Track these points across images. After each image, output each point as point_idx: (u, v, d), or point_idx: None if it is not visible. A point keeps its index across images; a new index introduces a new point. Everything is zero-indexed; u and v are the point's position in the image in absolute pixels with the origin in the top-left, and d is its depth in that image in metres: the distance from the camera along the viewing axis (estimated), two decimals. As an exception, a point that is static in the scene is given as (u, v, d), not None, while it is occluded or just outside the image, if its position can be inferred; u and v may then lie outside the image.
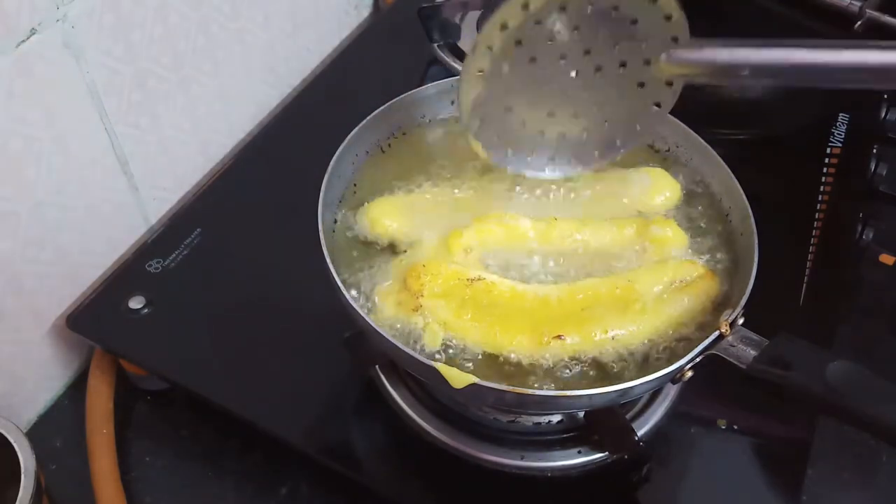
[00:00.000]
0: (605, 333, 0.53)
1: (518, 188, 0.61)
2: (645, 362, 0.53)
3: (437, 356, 0.52)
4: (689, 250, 0.59)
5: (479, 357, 0.52)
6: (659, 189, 0.61)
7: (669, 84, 0.54)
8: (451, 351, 0.52)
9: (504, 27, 0.51)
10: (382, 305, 0.54)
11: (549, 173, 0.60)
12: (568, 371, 0.52)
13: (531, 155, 0.58)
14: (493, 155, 0.58)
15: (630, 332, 0.53)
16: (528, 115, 0.56)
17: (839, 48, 0.48)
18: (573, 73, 0.54)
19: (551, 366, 0.52)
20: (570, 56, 0.53)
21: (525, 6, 0.50)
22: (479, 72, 0.53)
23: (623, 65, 0.53)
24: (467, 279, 0.54)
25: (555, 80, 0.54)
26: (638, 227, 0.58)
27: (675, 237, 0.58)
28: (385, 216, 0.58)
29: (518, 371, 0.52)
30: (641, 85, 0.54)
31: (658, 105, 0.55)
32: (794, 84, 0.51)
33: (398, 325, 0.53)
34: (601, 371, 0.52)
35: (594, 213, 0.60)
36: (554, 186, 0.61)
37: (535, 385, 0.51)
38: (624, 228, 0.58)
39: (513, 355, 0.52)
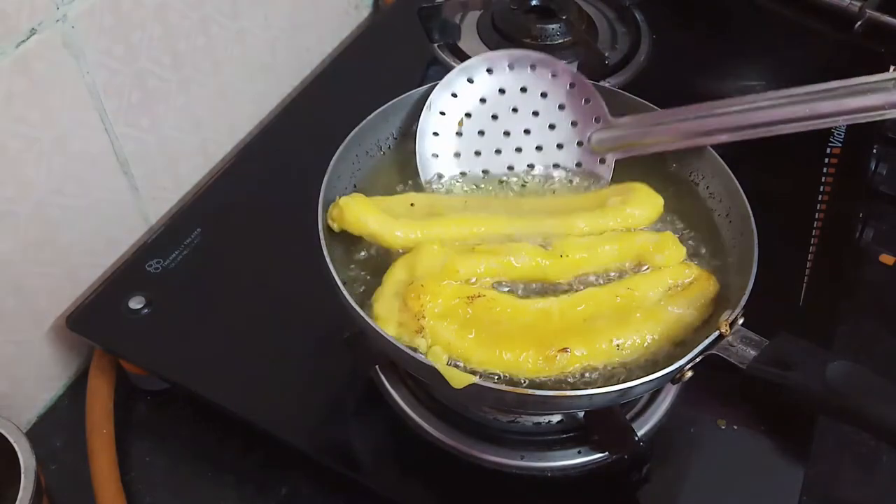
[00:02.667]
0: (609, 343, 0.52)
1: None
2: (651, 367, 0.52)
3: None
4: (688, 252, 0.59)
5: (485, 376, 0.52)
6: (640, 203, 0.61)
7: (603, 161, 0.64)
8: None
9: (454, 95, 0.63)
10: (385, 323, 0.53)
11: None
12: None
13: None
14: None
15: (633, 339, 0.53)
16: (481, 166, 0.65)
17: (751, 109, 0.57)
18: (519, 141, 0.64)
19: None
20: (513, 132, 0.64)
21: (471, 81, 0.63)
22: (434, 134, 0.63)
23: (560, 146, 0.64)
24: (467, 297, 0.54)
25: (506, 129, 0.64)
26: (640, 249, 0.58)
27: (674, 253, 0.58)
28: (359, 215, 0.57)
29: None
30: (578, 165, 0.65)
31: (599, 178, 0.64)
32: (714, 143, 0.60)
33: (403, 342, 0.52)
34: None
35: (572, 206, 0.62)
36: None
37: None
38: (625, 256, 0.58)
39: (520, 374, 0.52)
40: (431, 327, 0.52)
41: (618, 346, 0.52)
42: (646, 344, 0.53)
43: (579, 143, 0.64)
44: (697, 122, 0.59)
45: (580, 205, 0.61)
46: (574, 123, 0.63)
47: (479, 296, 0.54)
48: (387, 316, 0.53)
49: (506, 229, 0.59)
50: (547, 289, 0.57)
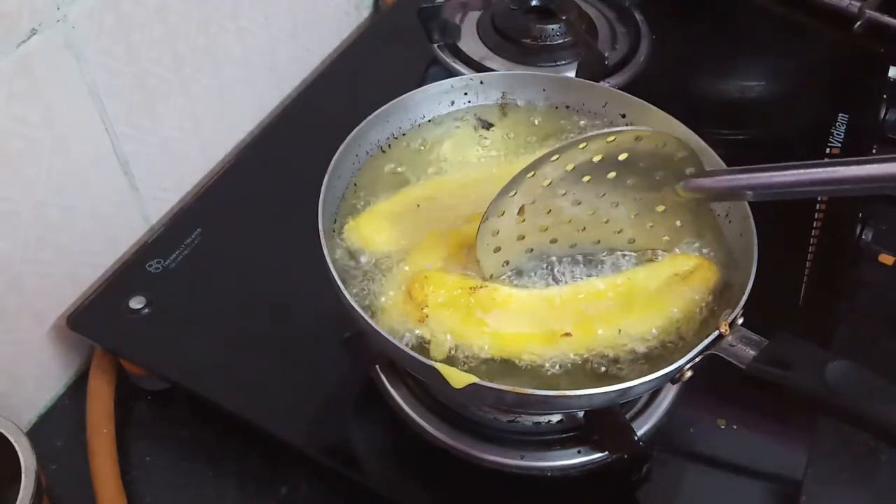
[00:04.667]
0: (611, 330, 0.53)
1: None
2: (652, 356, 0.53)
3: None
4: (687, 248, 0.59)
5: (488, 362, 0.53)
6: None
7: (687, 203, 0.56)
8: (459, 357, 0.53)
9: (514, 192, 0.52)
10: (386, 317, 0.54)
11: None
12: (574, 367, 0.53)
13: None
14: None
15: (635, 327, 0.53)
16: (550, 252, 0.57)
17: (826, 166, 0.50)
18: (591, 213, 0.55)
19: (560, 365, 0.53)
20: (586, 200, 0.54)
21: (533, 173, 0.51)
22: (495, 233, 0.54)
23: (638, 196, 0.55)
24: (469, 287, 0.54)
25: (575, 221, 0.55)
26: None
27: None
28: (376, 235, 0.58)
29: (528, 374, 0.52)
30: (660, 209, 0.56)
31: (679, 222, 0.57)
32: (804, 197, 0.54)
33: (403, 336, 0.53)
34: (611, 367, 0.53)
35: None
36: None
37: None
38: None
39: (523, 359, 0.52)
40: (434, 316, 0.53)
41: (619, 331, 0.53)
42: (648, 330, 0.54)
43: (662, 190, 0.55)
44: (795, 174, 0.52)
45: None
46: (659, 175, 0.55)
47: (481, 286, 0.54)
48: (390, 308, 0.54)
49: None
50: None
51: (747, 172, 0.53)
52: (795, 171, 0.51)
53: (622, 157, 0.52)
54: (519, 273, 0.57)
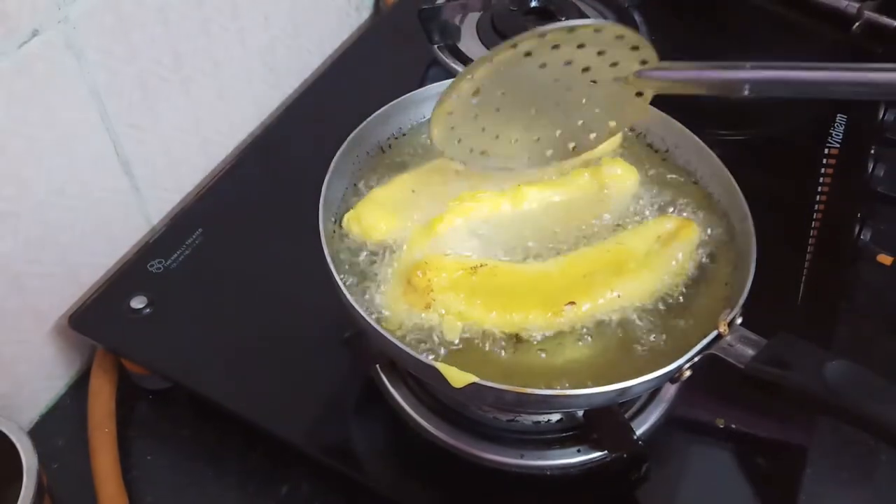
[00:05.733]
0: (611, 293, 0.54)
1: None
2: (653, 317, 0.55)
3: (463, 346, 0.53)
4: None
5: (502, 340, 0.53)
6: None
7: (639, 94, 0.57)
8: (470, 339, 0.53)
9: (471, 76, 0.53)
10: (392, 309, 0.54)
11: (526, 168, 0.61)
12: (589, 337, 0.54)
13: (509, 159, 0.60)
14: (471, 165, 0.60)
15: (631, 289, 0.55)
16: (502, 131, 0.58)
17: (787, 69, 0.52)
18: (544, 96, 0.56)
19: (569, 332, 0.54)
20: (539, 83, 0.55)
21: (490, 60, 0.52)
22: (449, 113, 0.55)
23: (594, 82, 0.56)
24: (470, 268, 0.55)
25: (527, 103, 0.57)
26: (591, 172, 0.61)
27: (626, 172, 0.61)
28: (376, 223, 0.58)
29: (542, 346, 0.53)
30: (613, 97, 0.57)
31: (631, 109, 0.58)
32: (756, 97, 0.55)
33: (412, 325, 0.53)
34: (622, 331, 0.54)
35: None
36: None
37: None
38: (580, 176, 0.61)
39: (532, 332, 0.53)
40: (441, 300, 0.53)
41: (618, 295, 0.54)
42: (645, 291, 0.55)
43: (615, 80, 0.57)
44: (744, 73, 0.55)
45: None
46: (614, 64, 0.55)
47: (481, 265, 0.55)
48: (392, 303, 0.54)
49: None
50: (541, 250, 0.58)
51: (701, 69, 0.55)
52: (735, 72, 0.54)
53: (579, 44, 0.53)
54: (510, 252, 0.58)
